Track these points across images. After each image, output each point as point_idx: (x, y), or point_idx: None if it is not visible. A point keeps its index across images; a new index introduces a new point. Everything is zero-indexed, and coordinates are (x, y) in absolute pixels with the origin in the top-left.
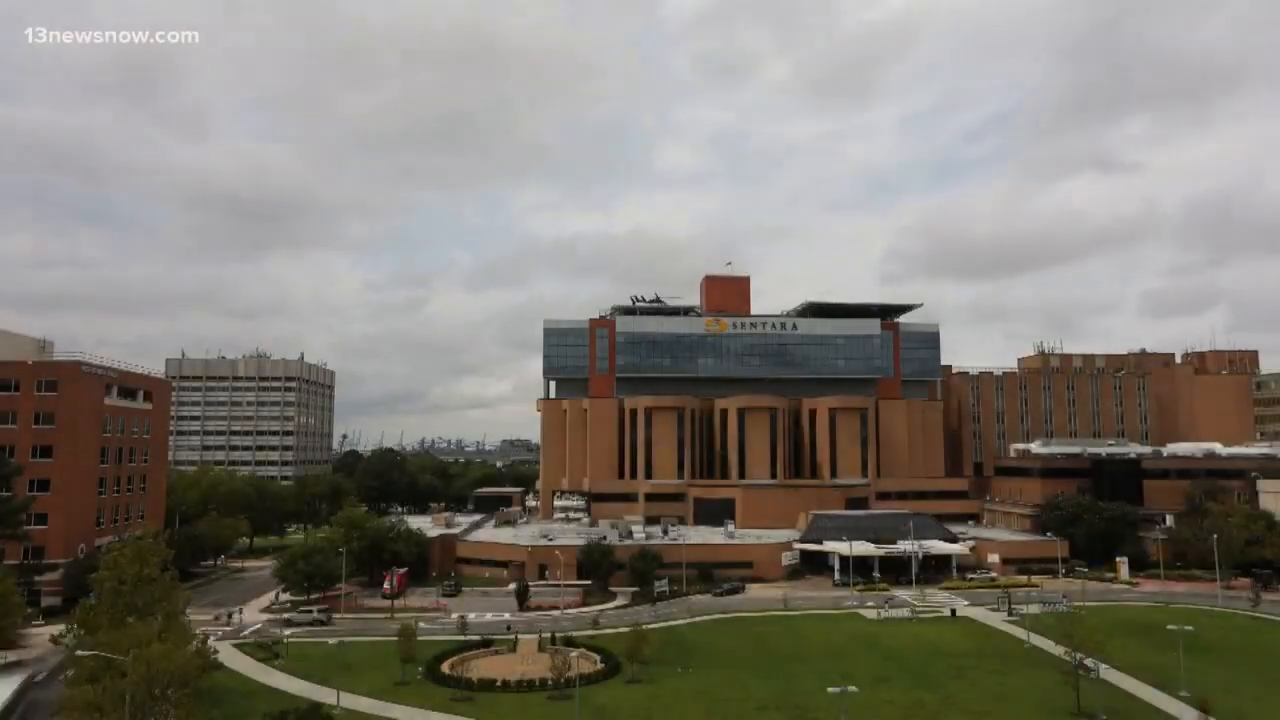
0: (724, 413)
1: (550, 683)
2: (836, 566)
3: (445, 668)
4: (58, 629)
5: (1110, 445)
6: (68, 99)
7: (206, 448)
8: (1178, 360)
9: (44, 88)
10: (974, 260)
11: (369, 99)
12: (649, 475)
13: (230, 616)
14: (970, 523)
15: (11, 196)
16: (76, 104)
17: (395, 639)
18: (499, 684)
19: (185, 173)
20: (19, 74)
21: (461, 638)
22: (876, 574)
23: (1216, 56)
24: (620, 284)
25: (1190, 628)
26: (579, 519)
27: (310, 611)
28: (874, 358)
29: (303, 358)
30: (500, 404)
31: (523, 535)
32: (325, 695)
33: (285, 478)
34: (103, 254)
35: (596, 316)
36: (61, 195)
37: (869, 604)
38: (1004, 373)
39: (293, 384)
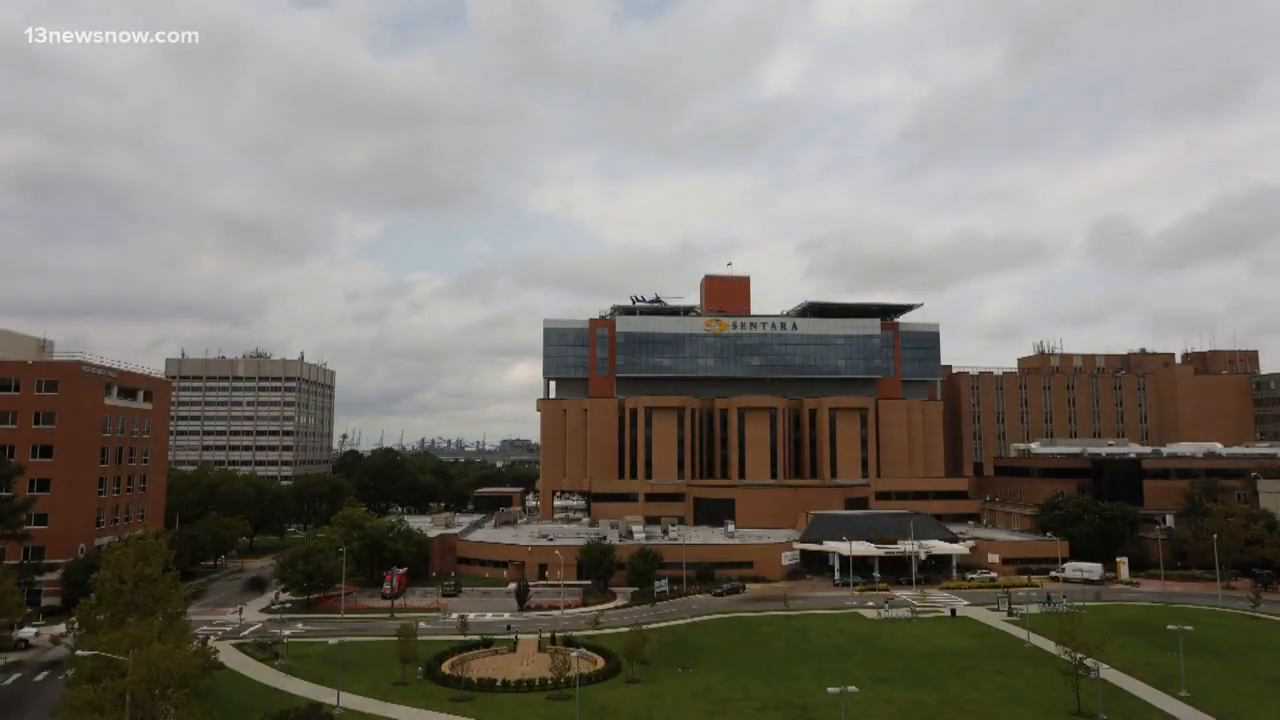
0: (724, 413)
1: (550, 683)
2: (836, 566)
3: (445, 668)
4: (58, 629)
5: (1110, 445)
6: (73, 130)
7: (206, 448)
8: (1178, 360)
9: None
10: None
11: (359, 134)
12: (649, 475)
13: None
14: (970, 523)
15: (16, 211)
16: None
17: (395, 639)
18: (499, 684)
19: (182, 196)
20: (25, 106)
21: (461, 638)
22: (876, 574)
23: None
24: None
25: (1190, 628)
26: (579, 519)
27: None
28: (874, 358)
29: (302, 357)
30: (496, 404)
31: (523, 535)
32: (325, 695)
33: (285, 478)
34: (104, 265)
35: (596, 316)
36: (64, 210)
37: (869, 604)
38: (1004, 373)
39: (292, 384)
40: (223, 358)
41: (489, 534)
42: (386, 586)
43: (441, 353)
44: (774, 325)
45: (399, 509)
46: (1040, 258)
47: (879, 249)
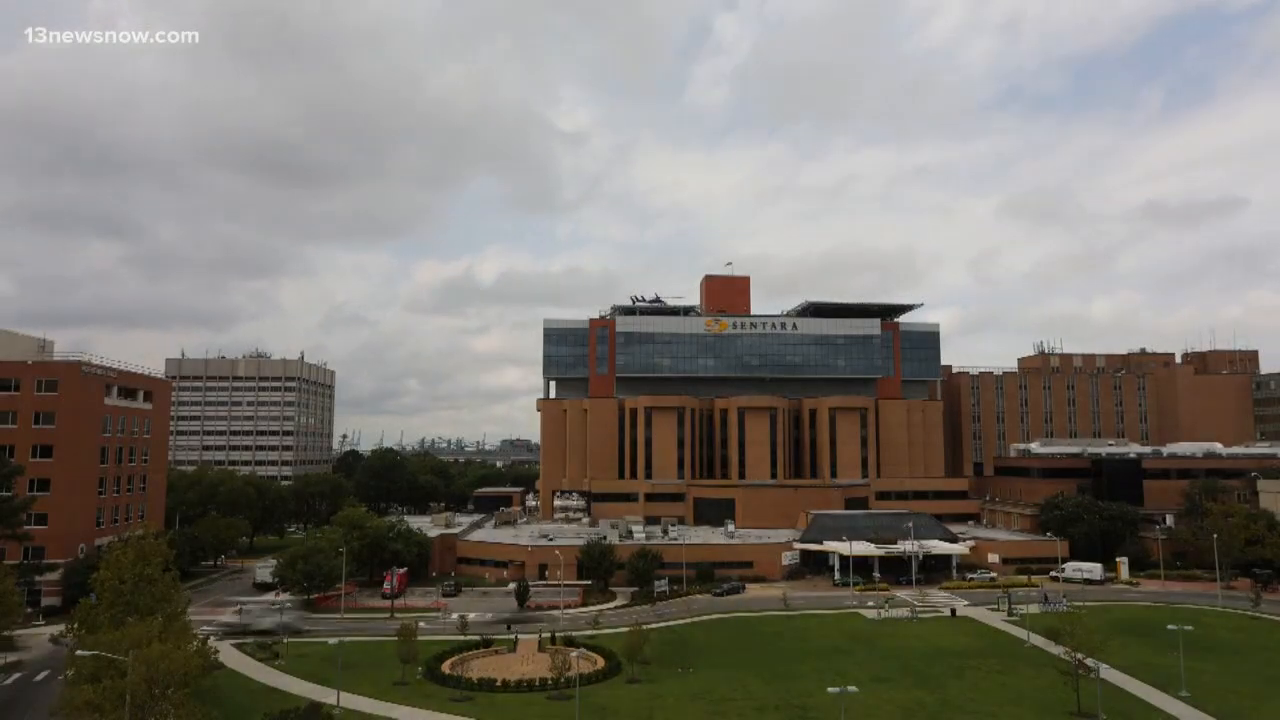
0: (724, 413)
1: (550, 683)
2: (836, 566)
3: (445, 668)
4: (58, 629)
5: (1110, 445)
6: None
7: (206, 448)
8: (1178, 360)
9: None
10: None
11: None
12: (649, 475)
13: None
14: (970, 523)
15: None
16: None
17: (395, 639)
18: (499, 684)
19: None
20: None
21: (461, 638)
22: (876, 574)
23: None
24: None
25: (1190, 628)
26: (579, 519)
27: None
28: (874, 357)
29: (303, 357)
30: (496, 404)
31: (523, 535)
32: (325, 695)
33: (285, 478)
34: (95, 273)
35: (596, 316)
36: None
37: (869, 604)
38: (1004, 373)
39: (292, 384)
40: (223, 358)
41: (489, 534)
42: (386, 586)
43: (441, 353)
44: (774, 325)
45: (399, 509)
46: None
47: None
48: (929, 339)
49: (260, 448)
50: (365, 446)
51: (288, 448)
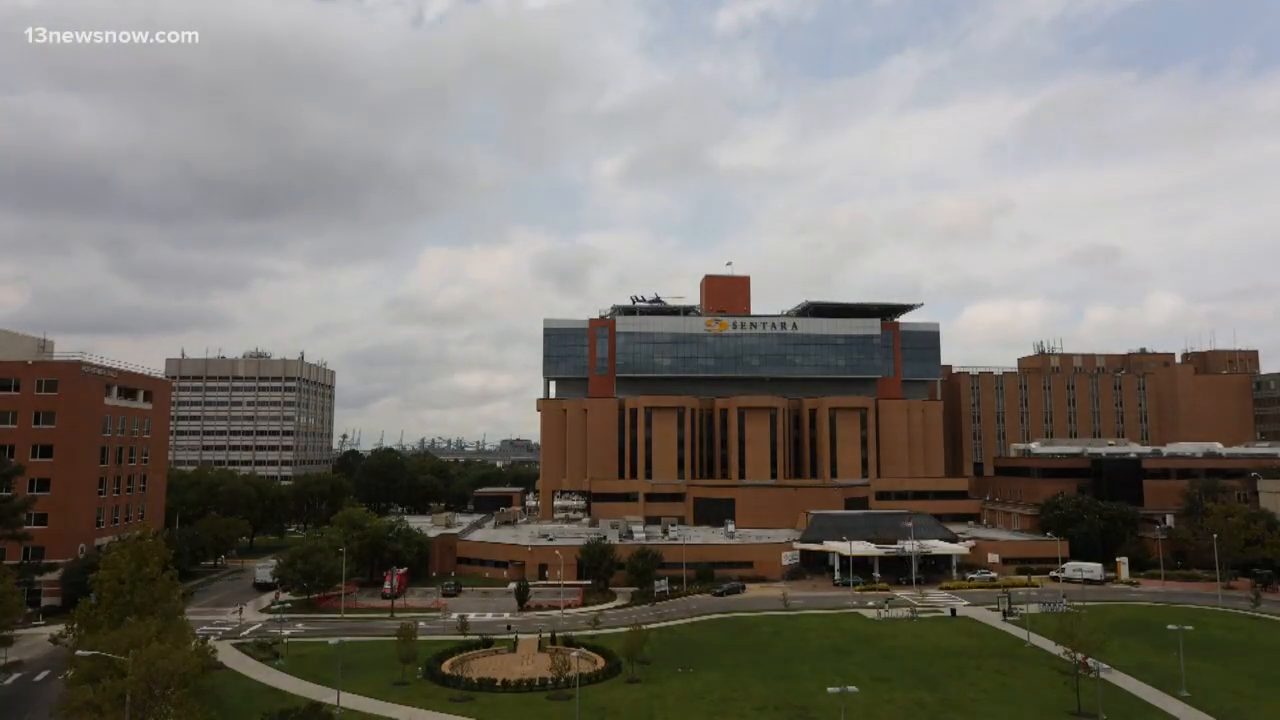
0: (724, 413)
1: (550, 682)
2: (836, 566)
3: (445, 668)
4: (58, 629)
5: (1110, 445)
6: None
7: (206, 448)
8: (1178, 360)
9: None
10: None
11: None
12: (649, 475)
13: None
14: (970, 522)
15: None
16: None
17: (395, 639)
18: (499, 684)
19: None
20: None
21: (461, 638)
22: (876, 574)
23: None
24: None
25: (1190, 627)
26: (579, 519)
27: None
28: (874, 357)
29: (303, 357)
30: (492, 403)
31: (523, 535)
32: (325, 695)
33: (285, 478)
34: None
35: (596, 316)
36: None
37: (869, 604)
38: (1004, 373)
39: (292, 384)
40: (223, 358)
41: (489, 534)
42: (386, 586)
43: (439, 353)
44: (774, 325)
45: (399, 509)
46: None
47: None
48: (929, 339)
49: (260, 448)
50: (365, 446)
51: (288, 448)
